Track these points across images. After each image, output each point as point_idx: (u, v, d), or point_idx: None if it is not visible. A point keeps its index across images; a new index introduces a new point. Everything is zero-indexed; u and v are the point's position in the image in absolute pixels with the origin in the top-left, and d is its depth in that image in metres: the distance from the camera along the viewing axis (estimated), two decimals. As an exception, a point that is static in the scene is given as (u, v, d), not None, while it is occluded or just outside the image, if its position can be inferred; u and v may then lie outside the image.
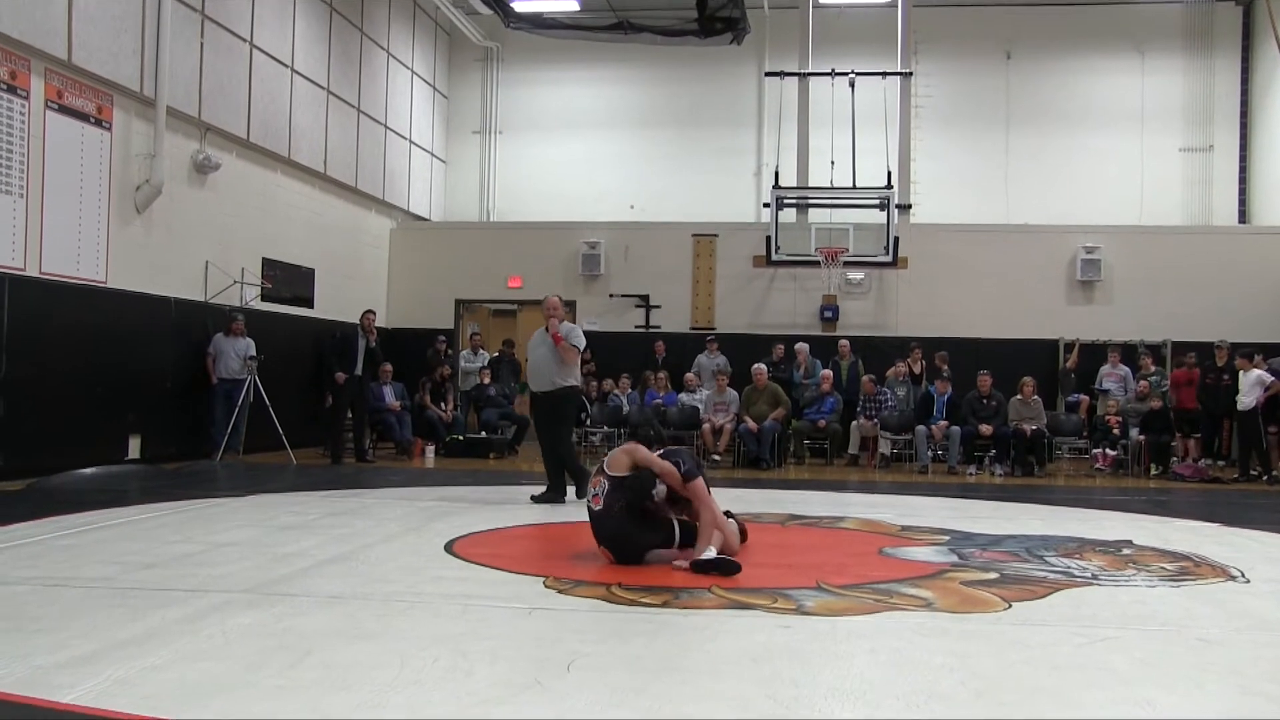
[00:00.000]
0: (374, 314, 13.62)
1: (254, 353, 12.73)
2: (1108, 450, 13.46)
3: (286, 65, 14.54)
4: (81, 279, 10.93)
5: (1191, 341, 15.20)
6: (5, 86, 9.92)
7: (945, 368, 14.37)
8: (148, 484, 10.04)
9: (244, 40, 13.49)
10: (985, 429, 13.15)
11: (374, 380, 13.80)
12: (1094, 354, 15.87)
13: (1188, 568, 6.24)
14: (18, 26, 9.87)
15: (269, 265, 14.34)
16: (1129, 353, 15.65)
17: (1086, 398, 15.02)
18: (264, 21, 13.93)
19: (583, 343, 9.40)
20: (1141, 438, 13.30)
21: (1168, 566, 6.27)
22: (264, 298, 14.08)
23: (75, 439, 10.70)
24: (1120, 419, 13.61)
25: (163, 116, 11.80)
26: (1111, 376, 14.94)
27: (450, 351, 16.43)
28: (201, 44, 12.60)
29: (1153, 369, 14.73)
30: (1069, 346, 16.37)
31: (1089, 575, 5.91)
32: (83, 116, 10.93)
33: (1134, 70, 18.45)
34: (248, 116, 13.60)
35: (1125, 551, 6.81)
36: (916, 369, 15.00)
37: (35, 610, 4.64)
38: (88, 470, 10.42)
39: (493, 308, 18.91)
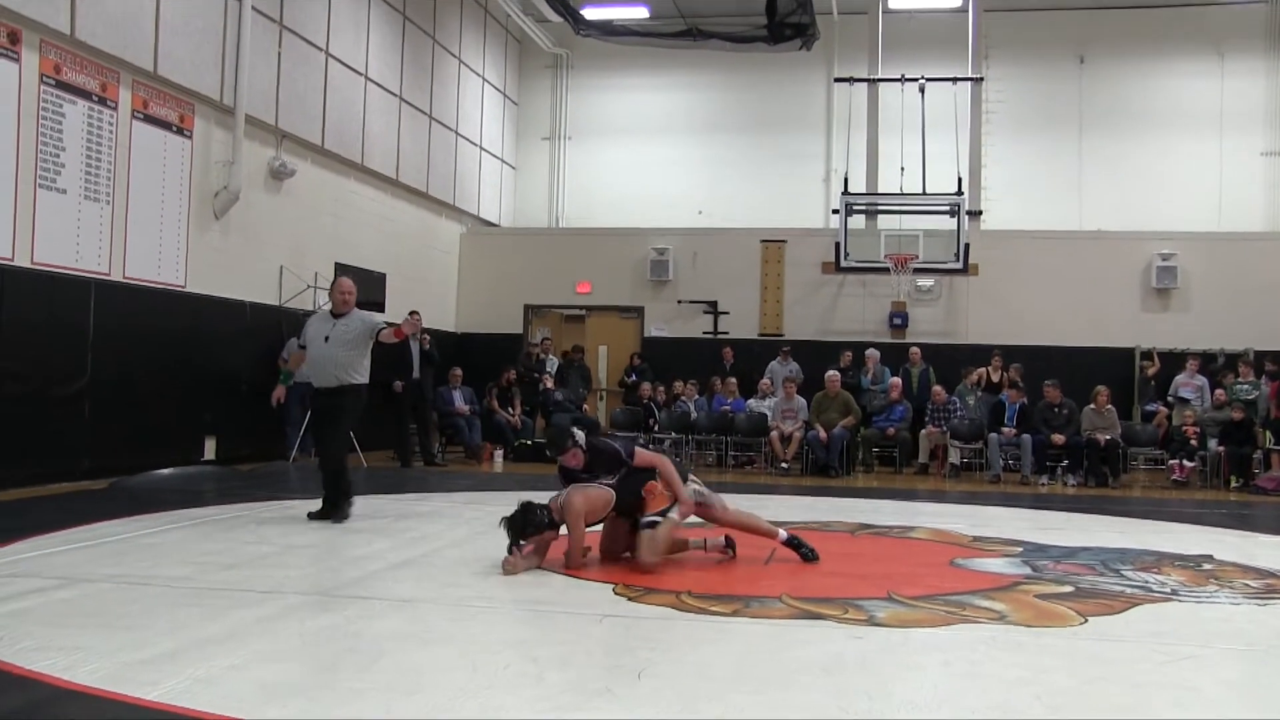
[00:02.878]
0: (418, 315, 13.46)
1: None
2: (1185, 461, 13.14)
3: (361, 74, 14.77)
4: (162, 283, 11.21)
5: (1275, 350, 14.78)
6: (97, 98, 10.24)
7: (1019, 379, 14.11)
8: (223, 485, 10.26)
9: (320, 50, 13.74)
10: (1057, 438, 12.91)
11: (442, 385, 13.91)
12: (1169, 362, 15.50)
13: (1274, 585, 6.04)
14: (110, 40, 10.20)
15: (341, 270, 14.55)
16: (1207, 361, 15.25)
17: (1163, 407, 14.67)
18: (340, 31, 14.17)
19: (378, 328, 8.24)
20: (1221, 449, 12.95)
21: (1252, 583, 6.07)
22: (337, 302, 14.27)
23: (154, 439, 10.96)
24: (1198, 429, 13.26)
25: (241, 125, 12.07)
26: (1188, 386, 14.56)
27: (543, 356, 16.14)
28: (279, 54, 12.86)
29: (1249, 379, 14.17)
30: (1147, 355, 16.00)
31: (1168, 590, 5.76)
32: (166, 125, 11.23)
33: (1213, 72, 17.90)
34: (322, 124, 13.84)
35: (1206, 566, 6.61)
36: (996, 377, 14.75)
37: (119, 608, 4.77)
38: (165, 470, 10.68)
39: (562, 313, 19.00)
